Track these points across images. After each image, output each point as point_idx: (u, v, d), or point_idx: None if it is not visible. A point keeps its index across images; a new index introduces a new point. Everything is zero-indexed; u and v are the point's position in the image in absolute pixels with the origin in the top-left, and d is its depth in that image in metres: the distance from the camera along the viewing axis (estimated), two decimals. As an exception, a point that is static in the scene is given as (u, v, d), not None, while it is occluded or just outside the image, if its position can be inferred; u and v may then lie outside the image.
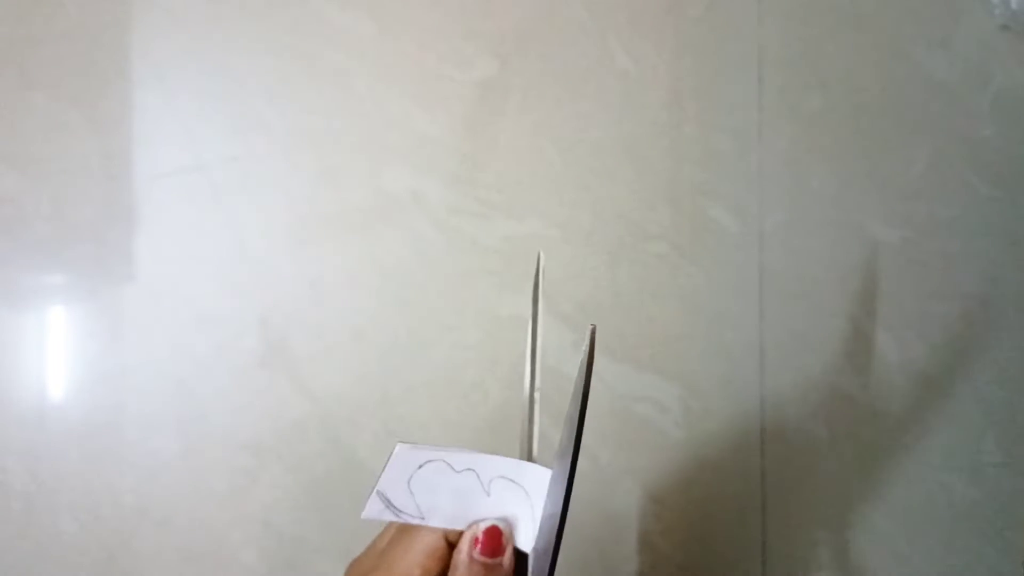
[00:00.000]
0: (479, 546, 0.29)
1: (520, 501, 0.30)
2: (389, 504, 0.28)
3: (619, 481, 0.55)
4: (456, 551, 0.30)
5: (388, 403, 0.53)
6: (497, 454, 0.30)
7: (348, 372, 0.53)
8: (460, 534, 0.30)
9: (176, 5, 0.52)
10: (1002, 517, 0.60)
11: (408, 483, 0.29)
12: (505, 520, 0.30)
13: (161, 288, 0.51)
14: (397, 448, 0.28)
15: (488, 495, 0.30)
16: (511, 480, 0.30)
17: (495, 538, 0.30)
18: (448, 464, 0.29)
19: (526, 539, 0.30)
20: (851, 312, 0.59)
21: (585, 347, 0.28)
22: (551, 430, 0.55)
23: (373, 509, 0.28)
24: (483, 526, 0.30)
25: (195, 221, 0.52)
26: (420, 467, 0.29)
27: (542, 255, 0.31)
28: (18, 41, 0.50)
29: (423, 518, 0.29)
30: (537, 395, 0.31)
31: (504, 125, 0.55)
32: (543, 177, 0.56)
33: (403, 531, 0.30)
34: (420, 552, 0.30)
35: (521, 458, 0.31)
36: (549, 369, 0.55)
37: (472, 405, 0.53)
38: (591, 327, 0.28)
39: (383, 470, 0.28)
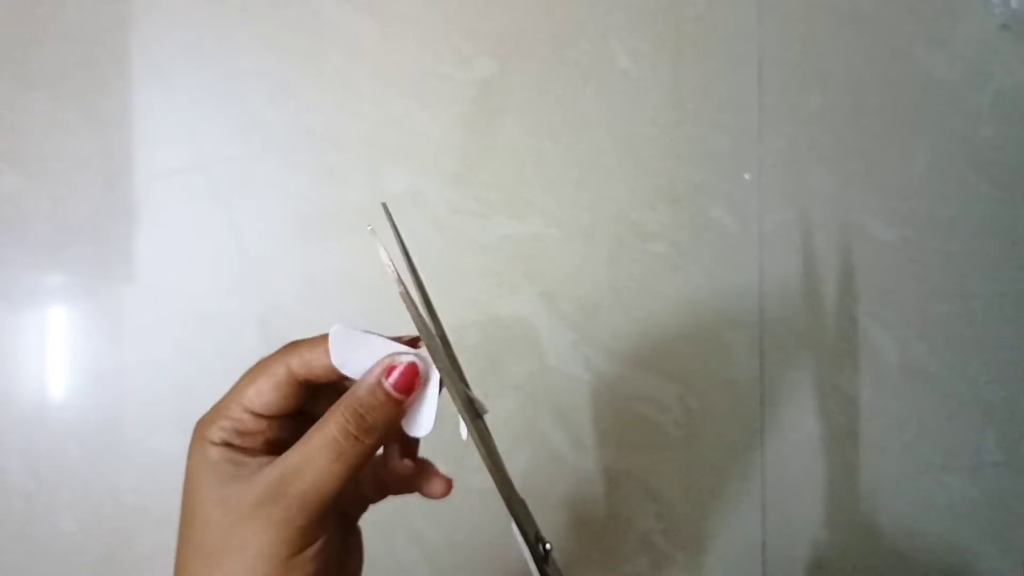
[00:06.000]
0: (392, 375, 0.27)
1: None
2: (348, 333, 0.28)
3: (619, 481, 0.55)
4: (367, 372, 0.27)
5: (388, 403, 0.53)
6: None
7: (348, 372, 0.53)
8: (314, 372, 0.28)
9: (176, 5, 0.52)
10: (1002, 517, 0.60)
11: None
12: (424, 363, 0.28)
13: (161, 288, 0.51)
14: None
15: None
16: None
17: (410, 375, 0.27)
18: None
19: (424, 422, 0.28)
20: (851, 312, 0.59)
21: (389, 224, 0.28)
22: (550, 429, 0.55)
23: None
24: (404, 359, 0.27)
25: (195, 221, 0.52)
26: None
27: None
28: (18, 41, 0.51)
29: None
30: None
31: (504, 125, 0.55)
32: (543, 177, 0.56)
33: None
34: (259, 374, 0.28)
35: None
36: (550, 369, 0.55)
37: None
38: (382, 204, 0.28)
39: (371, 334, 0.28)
